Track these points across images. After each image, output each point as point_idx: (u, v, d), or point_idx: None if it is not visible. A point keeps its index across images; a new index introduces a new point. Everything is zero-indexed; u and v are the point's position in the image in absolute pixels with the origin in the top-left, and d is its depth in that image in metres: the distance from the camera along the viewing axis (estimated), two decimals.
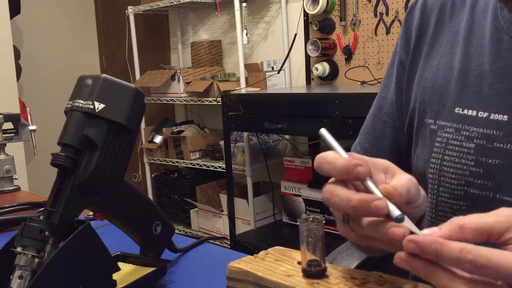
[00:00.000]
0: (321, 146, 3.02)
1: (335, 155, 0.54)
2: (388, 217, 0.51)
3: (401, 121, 0.81)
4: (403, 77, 0.80)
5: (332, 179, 0.55)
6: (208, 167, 3.13)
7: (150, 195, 3.53)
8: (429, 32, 0.77)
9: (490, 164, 0.66)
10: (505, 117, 0.65)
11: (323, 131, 0.56)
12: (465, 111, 0.69)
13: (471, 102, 0.69)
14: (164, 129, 3.40)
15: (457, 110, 0.70)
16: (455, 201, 0.69)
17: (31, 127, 1.48)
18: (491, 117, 0.66)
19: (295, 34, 2.88)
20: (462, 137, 0.69)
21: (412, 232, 0.49)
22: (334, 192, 0.53)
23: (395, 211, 0.51)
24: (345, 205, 0.52)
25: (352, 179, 0.53)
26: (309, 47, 2.82)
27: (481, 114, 0.67)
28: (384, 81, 0.86)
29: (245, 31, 2.87)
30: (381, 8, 2.62)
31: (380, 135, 0.84)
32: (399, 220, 0.50)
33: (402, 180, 0.56)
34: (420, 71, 0.77)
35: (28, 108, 1.65)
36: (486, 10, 0.70)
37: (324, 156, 0.54)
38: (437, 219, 0.72)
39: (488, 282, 0.44)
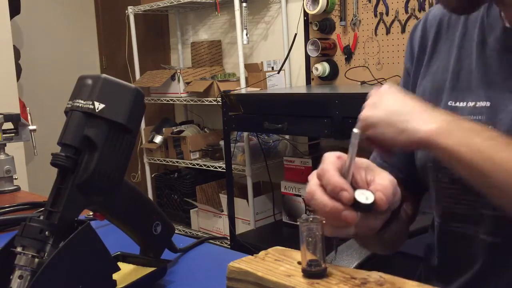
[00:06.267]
0: (321, 146, 3.02)
1: (333, 173, 0.63)
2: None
3: None
4: (408, 84, 0.91)
5: (316, 180, 0.64)
6: (208, 167, 3.13)
7: (150, 195, 3.53)
8: (429, 43, 0.88)
9: None
10: (488, 103, 0.76)
11: (356, 133, 0.65)
12: (457, 103, 0.80)
13: (462, 95, 0.80)
14: (164, 129, 3.40)
15: (450, 103, 0.81)
16: (452, 185, 0.79)
17: (31, 127, 1.48)
18: (477, 105, 0.77)
19: (295, 34, 2.87)
20: None
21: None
22: (314, 196, 0.63)
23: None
24: (321, 210, 0.62)
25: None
26: (309, 47, 2.82)
27: (470, 104, 0.78)
28: None
29: (245, 31, 2.86)
30: (381, 8, 2.62)
31: None
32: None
33: (385, 180, 0.64)
34: (422, 76, 0.88)
35: (28, 108, 1.64)
36: (477, 20, 0.83)
37: (326, 170, 0.63)
38: (439, 203, 0.83)
39: None
